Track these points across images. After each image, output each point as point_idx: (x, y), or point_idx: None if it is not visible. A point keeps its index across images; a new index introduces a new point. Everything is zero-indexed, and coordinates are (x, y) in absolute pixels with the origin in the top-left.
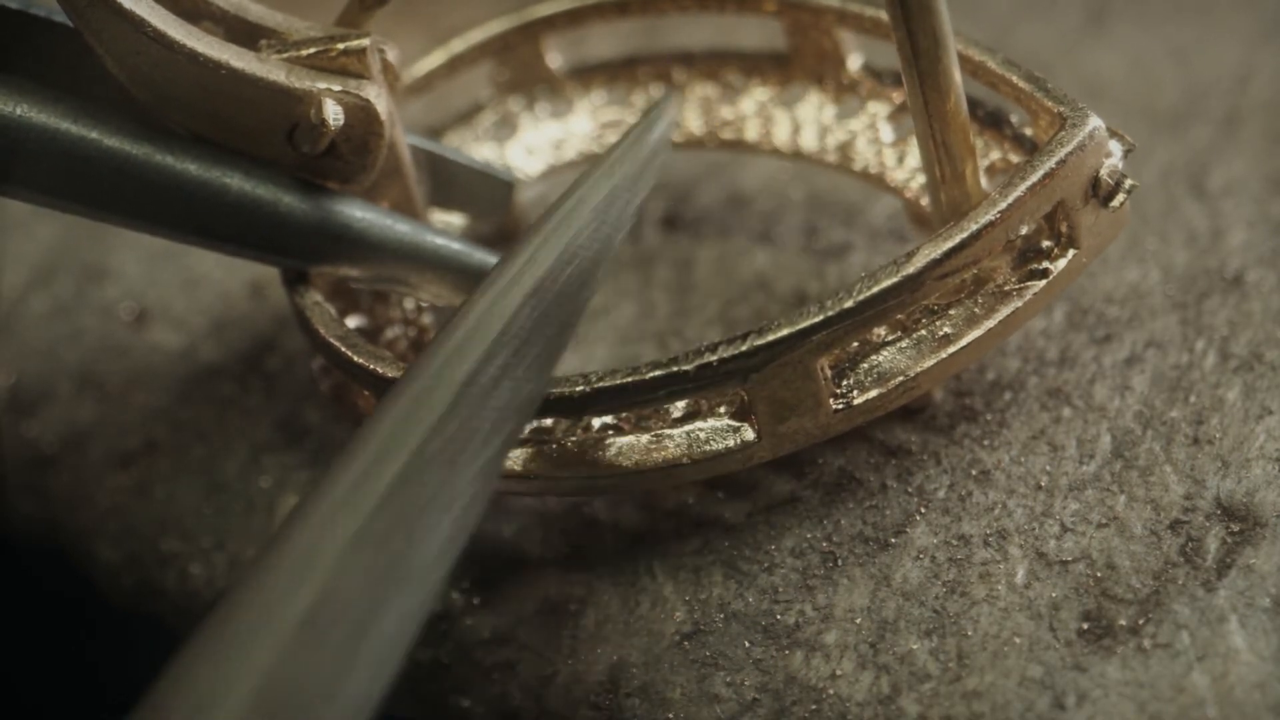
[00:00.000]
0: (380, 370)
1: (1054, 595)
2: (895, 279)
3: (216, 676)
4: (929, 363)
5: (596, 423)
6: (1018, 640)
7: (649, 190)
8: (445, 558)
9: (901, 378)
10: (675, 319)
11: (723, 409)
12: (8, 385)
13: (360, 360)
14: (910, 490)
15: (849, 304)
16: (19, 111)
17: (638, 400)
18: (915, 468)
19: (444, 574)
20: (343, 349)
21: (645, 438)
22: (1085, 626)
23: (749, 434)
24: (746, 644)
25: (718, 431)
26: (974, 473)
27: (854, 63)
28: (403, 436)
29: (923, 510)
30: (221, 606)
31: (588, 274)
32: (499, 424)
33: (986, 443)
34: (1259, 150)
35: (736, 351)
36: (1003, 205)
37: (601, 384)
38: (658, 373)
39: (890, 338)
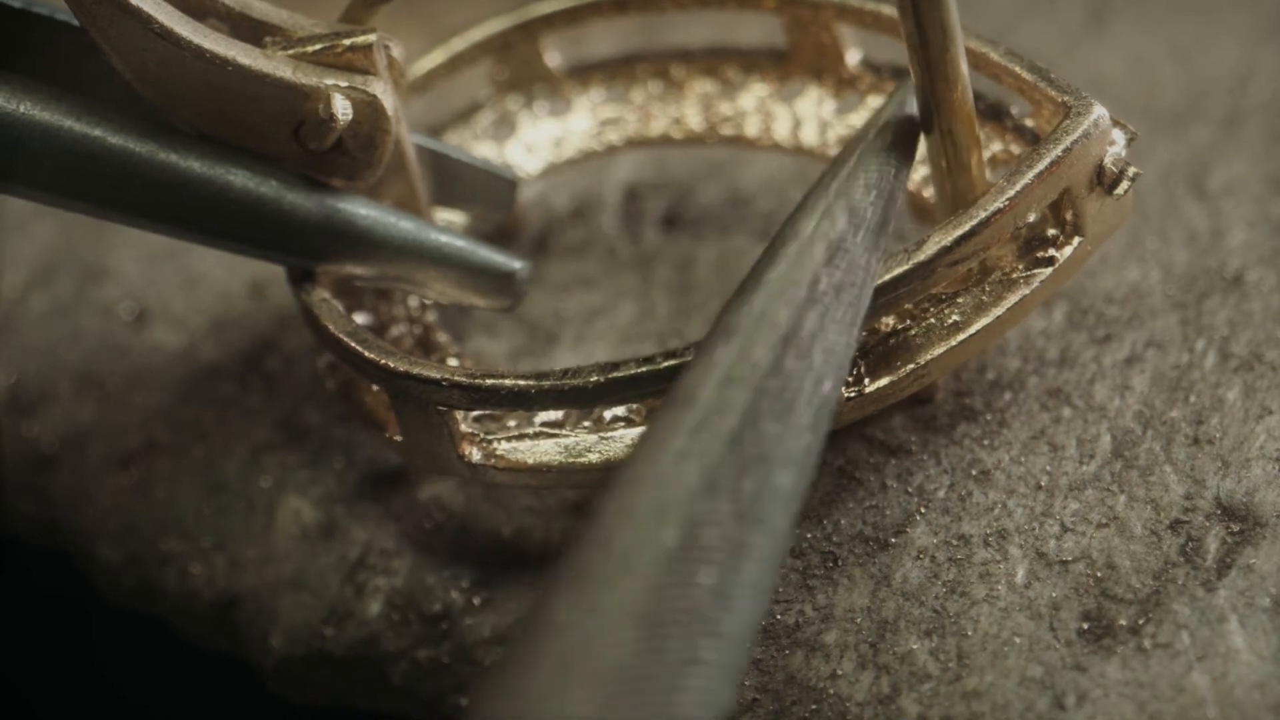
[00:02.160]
0: (391, 365)
1: (1054, 595)
2: (907, 266)
3: (596, 606)
4: (939, 350)
5: (608, 415)
6: (1018, 640)
7: (911, 167)
8: (792, 503)
9: (912, 365)
10: (676, 318)
11: None
12: (8, 385)
13: (371, 355)
14: (910, 490)
15: None
16: (22, 109)
17: (651, 391)
18: (915, 468)
19: (792, 521)
20: (353, 344)
21: None
22: (1085, 626)
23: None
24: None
25: None
26: (974, 473)
27: (853, 58)
28: (734, 390)
29: (923, 510)
30: (582, 547)
31: (873, 244)
32: (821, 379)
33: (986, 443)
34: (1259, 150)
35: None
36: (1010, 193)
37: (616, 375)
38: (671, 362)
39: (899, 326)
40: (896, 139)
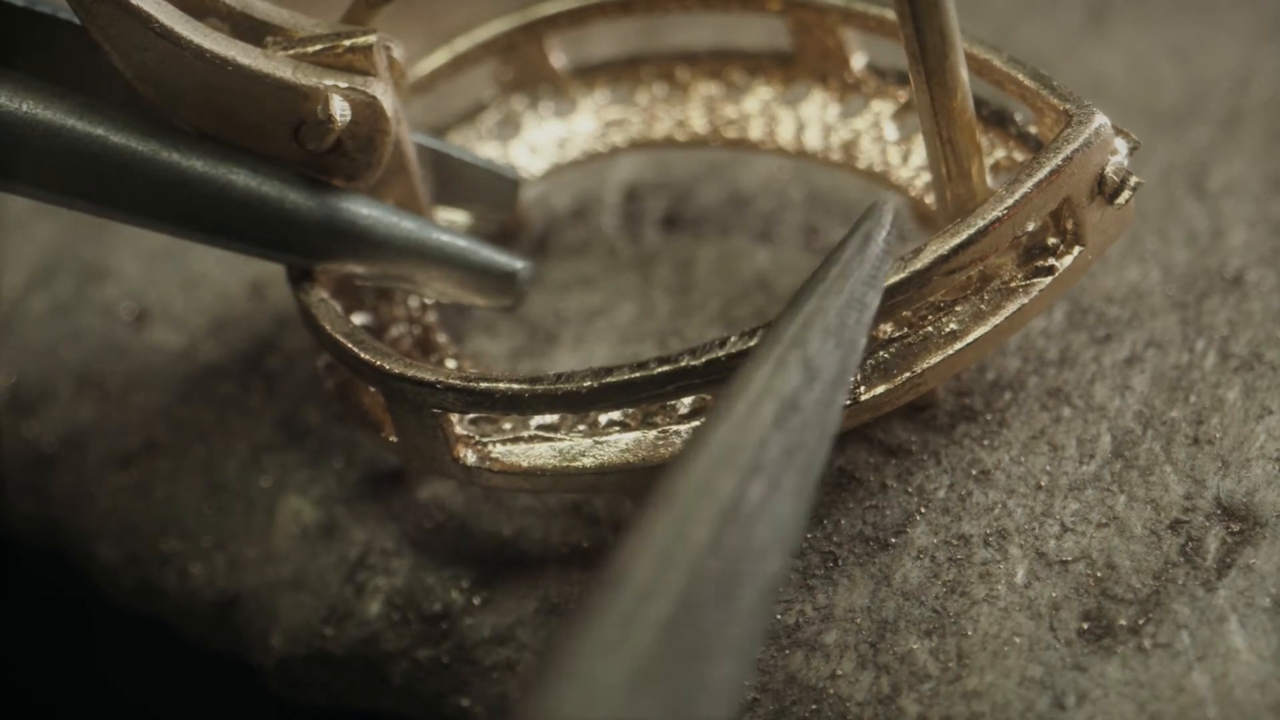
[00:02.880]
0: (386, 367)
1: (1054, 595)
2: (903, 275)
3: None
4: (935, 359)
5: (603, 419)
6: (1018, 640)
7: (877, 306)
8: (731, 697)
9: (908, 374)
10: (675, 318)
11: None
12: (8, 385)
13: (367, 357)
14: (910, 490)
15: None
16: (25, 108)
17: (645, 396)
18: (915, 468)
19: (732, 713)
20: (349, 346)
21: (652, 434)
22: (1085, 626)
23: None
24: None
25: None
26: (974, 473)
27: (858, 62)
28: (669, 573)
29: (923, 510)
30: None
31: (830, 398)
32: (763, 557)
33: (986, 443)
34: (1259, 150)
35: (745, 346)
36: (1010, 201)
37: (609, 380)
38: (666, 368)
39: (896, 334)
40: (861, 275)
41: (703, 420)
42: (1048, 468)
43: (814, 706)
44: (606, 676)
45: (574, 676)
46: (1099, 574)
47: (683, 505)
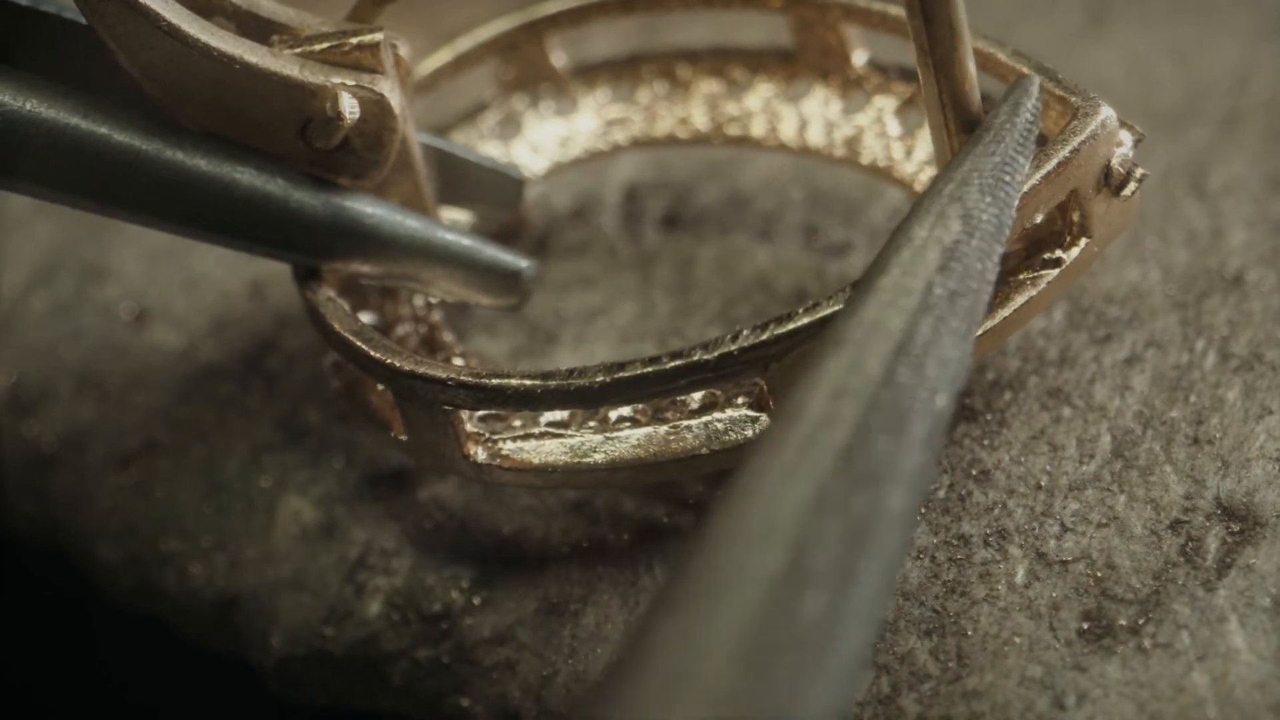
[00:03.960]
0: (397, 364)
1: (1054, 595)
2: None
3: (698, 632)
4: None
5: (613, 415)
6: (1018, 640)
7: (1027, 169)
8: (904, 525)
9: None
10: (676, 318)
11: (740, 400)
12: (8, 385)
13: (377, 355)
14: None
15: None
16: (29, 107)
17: (658, 391)
18: None
19: (905, 542)
20: (359, 344)
21: (663, 429)
22: (1085, 626)
23: (767, 424)
24: None
25: (736, 422)
26: (974, 473)
27: (859, 58)
28: (844, 403)
29: (923, 510)
30: (685, 570)
31: (989, 249)
32: (934, 392)
33: (986, 443)
34: (1259, 150)
35: (758, 340)
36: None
37: (622, 375)
38: (679, 362)
39: None
40: (1013, 139)
41: (871, 264)
42: (1048, 468)
43: None
44: (788, 500)
45: (757, 497)
46: (1099, 574)
47: (855, 343)
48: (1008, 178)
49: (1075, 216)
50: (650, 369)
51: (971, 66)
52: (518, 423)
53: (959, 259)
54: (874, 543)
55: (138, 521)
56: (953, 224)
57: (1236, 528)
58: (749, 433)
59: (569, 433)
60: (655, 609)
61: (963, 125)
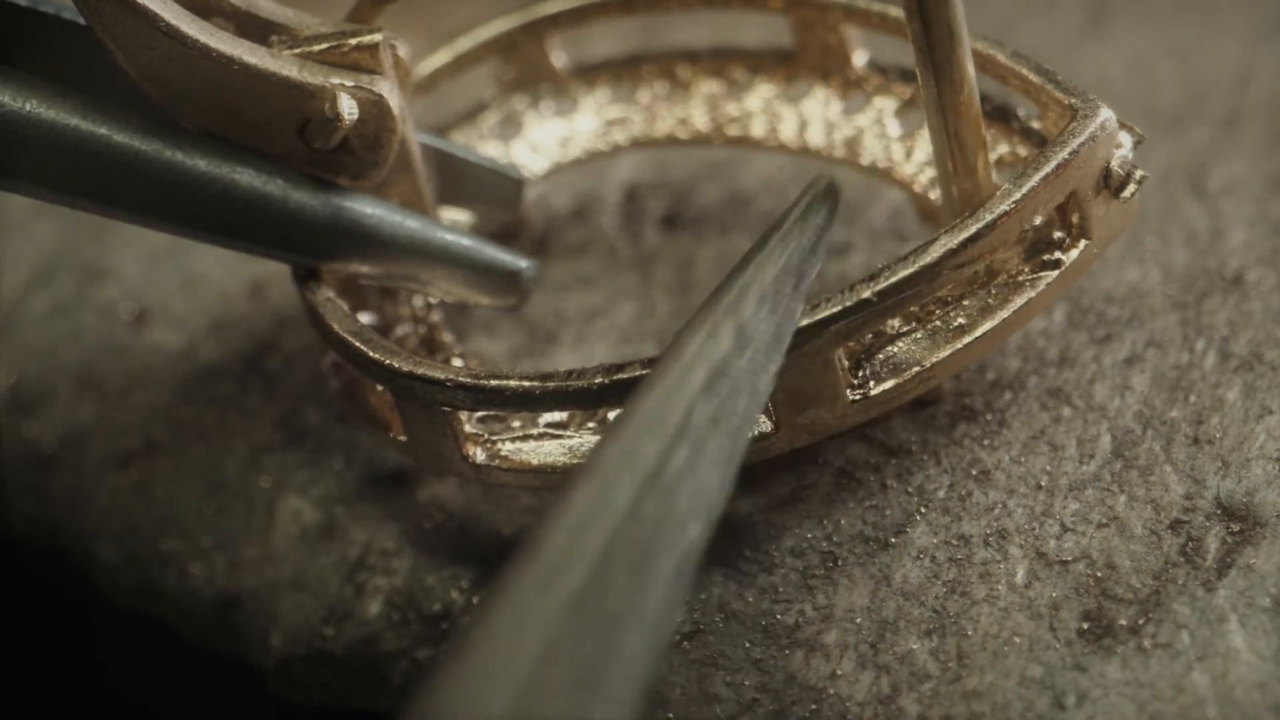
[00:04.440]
0: (396, 365)
1: (1054, 595)
2: (913, 269)
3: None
4: (944, 353)
5: (612, 416)
6: (1018, 640)
7: (817, 273)
8: (643, 669)
9: (917, 368)
10: (676, 318)
11: None
12: (8, 385)
13: (376, 355)
14: (910, 490)
15: (867, 294)
16: (28, 107)
17: None
18: (915, 468)
19: (641, 689)
20: (358, 344)
21: None
22: (1085, 626)
23: (766, 425)
24: (746, 644)
25: None
26: (974, 473)
27: (859, 59)
28: (586, 538)
29: (923, 510)
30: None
31: (762, 365)
32: (684, 523)
33: (986, 443)
34: (1259, 150)
35: None
36: (1017, 195)
37: (620, 376)
38: None
39: (904, 329)
40: (802, 243)
41: (641, 382)
42: (1048, 468)
43: (814, 706)
44: (516, 647)
45: (482, 648)
46: (1099, 574)
47: (605, 472)
48: (789, 286)
49: (1075, 218)
50: (649, 371)
51: (970, 69)
52: (517, 424)
53: (725, 378)
54: (604, 688)
55: (138, 521)
56: (724, 339)
57: (1236, 528)
58: (747, 435)
59: (568, 434)
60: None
61: (962, 127)
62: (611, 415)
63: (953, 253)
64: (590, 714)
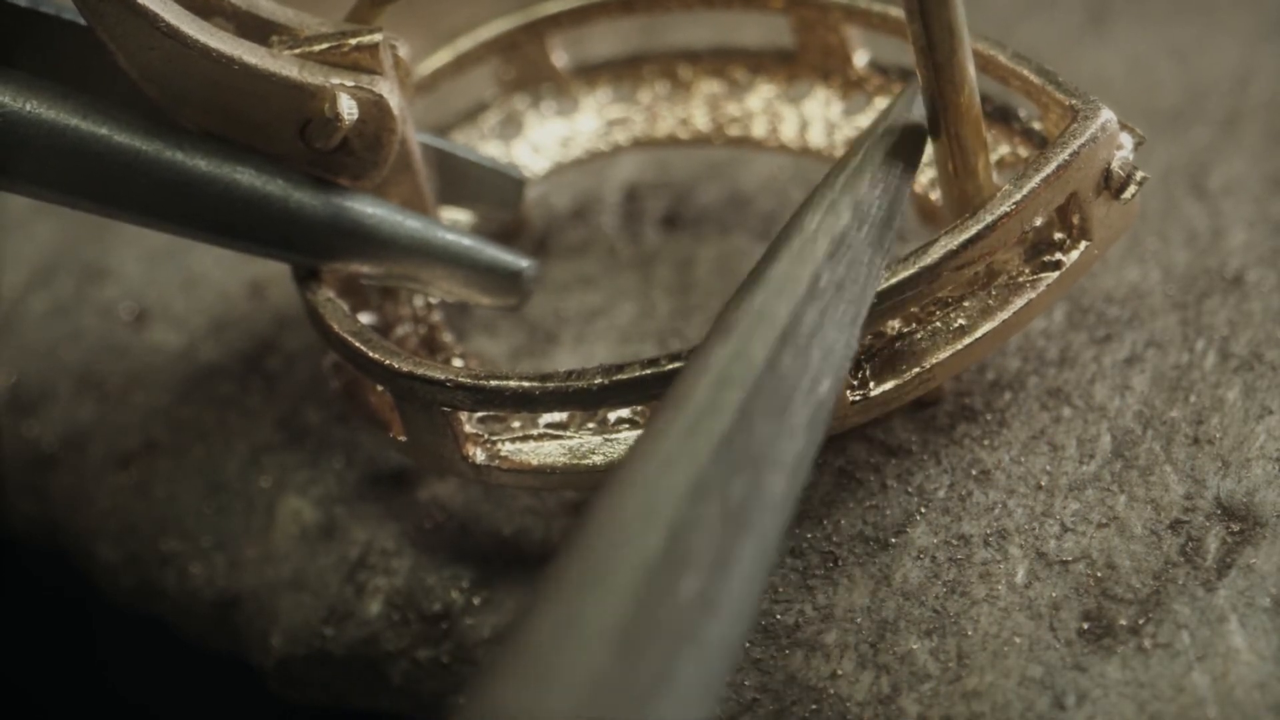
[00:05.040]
0: (395, 365)
1: (1054, 595)
2: (913, 270)
3: (573, 618)
4: (944, 354)
5: (612, 416)
6: (1018, 640)
7: (920, 161)
8: (783, 508)
9: (918, 369)
10: (675, 318)
11: None
12: (8, 385)
13: (376, 355)
14: (910, 490)
15: None
16: (28, 108)
17: (655, 393)
18: (915, 468)
19: (783, 526)
20: (358, 344)
21: None
22: (1085, 626)
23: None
24: (746, 644)
25: None
26: (974, 473)
27: (860, 59)
28: (727, 390)
29: (923, 510)
30: (565, 557)
31: (879, 238)
32: (818, 378)
33: (986, 443)
34: (1259, 150)
35: None
36: (1018, 197)
37: (621, 377)
38: (677, 364)
39: (905, 330)
40: (903, 137)
41: (766, 251)
42: (1048, 468)
43: (814, 706)
44: (667, 485)
45: (636, 484)
46: (1099, 574)
47: (741, 330)
48: (897, 170)
49: (1075, 220)
50: (648, 371)
51: (971, 70)
52: (516, 424)
53: (847, 248)
54: (752, 526)
55: (138, 521)
56: (843, 214)
57: (1236, 528)
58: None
59: (568, 434)
60: (535, 598)
61: (962, 128)
62: (612, 416)
63: (952, 254)
64: (738, 550)
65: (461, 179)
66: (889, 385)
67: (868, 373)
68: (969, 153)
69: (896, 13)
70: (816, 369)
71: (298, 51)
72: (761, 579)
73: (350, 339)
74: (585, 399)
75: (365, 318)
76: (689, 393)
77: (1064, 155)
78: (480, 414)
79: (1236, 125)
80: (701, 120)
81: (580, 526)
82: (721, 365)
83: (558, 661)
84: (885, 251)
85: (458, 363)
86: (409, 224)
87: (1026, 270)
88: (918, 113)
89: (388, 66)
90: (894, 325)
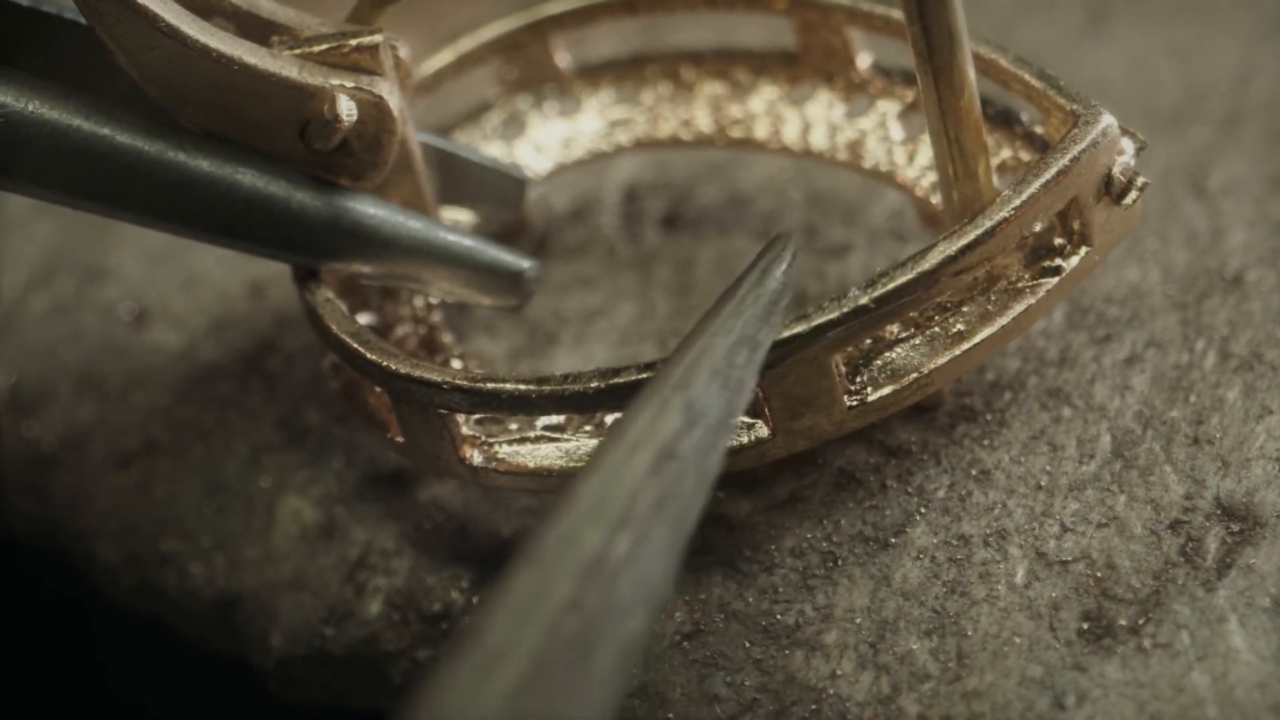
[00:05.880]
0: (392, 367)
1: (1054, 595)
2: (911, 275)
3: None
4: (943, 359)
5: (609, 419)
6: (1018, 640)
7: (771, 341)
8: None
9: (915, 374)
10: (675, 319)
11: None
12: (8, 385)
13: (373, 357)
14: (910, 490)
15: (865, 300)
16: (30, 108)
17: None
18: (915, 468)
19: None
20: (356, 346)
21: None
22: (1085, 626)
23: (763, 431)
24: (746, 644)
25: None
26: (974, 473)
27: (863, 61)
28: (526, 628)
29: (923, 510)
30: None
31: (712, 442)
32: (624, 616)
33: (986, 443)
34: (1259, 150)
35: None
36: (1017, 202)
37: (616, 381)
38: None
39: (903, 335)
40: (755, 311)
41: (588, 460)
42: (1048, 468)
43: (814, 706)
44: None
45: None
46: (1099, 574)
47: (544, 561)
48: (743, 358)
49: (1076, 225)
50: (645, 375)
51: (971, 73)
52: (514, 426)
53: (673, 459)
54: None
55: (138, 521)
56: (672, 418)
57: (1236, 528)
58: (744, 439)
59: (564, 437)
60: None
61: (962, 132)
62: (609, 419)
63: (951, 259)
64: None
65: (463, 179)
66: (886, 391)
67: (865, 378)
68: (969, 156)
69: (898, 15)
70: (626, 606)
71: (298, 52)
72: None
73: (348, 340)
74: (581, 402)
75: (365, 318)
76: (485, 629)
77: (1064, 160)
78: (477, 416)
79: (1236, 125)
80: (704, 121)
81: None
82: (521, 600)
83: None
84: (723, 450)
85: (457, 364)
86: (410, 224)
87: (1026, 276)
88: (774, 282)
89: (388, 67)
90: (893, 330)
